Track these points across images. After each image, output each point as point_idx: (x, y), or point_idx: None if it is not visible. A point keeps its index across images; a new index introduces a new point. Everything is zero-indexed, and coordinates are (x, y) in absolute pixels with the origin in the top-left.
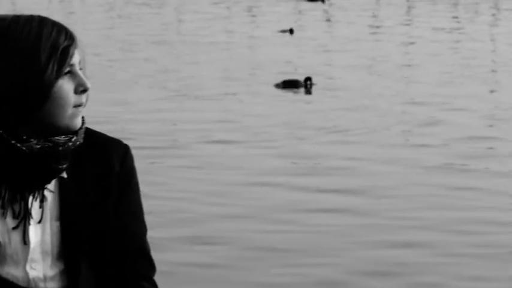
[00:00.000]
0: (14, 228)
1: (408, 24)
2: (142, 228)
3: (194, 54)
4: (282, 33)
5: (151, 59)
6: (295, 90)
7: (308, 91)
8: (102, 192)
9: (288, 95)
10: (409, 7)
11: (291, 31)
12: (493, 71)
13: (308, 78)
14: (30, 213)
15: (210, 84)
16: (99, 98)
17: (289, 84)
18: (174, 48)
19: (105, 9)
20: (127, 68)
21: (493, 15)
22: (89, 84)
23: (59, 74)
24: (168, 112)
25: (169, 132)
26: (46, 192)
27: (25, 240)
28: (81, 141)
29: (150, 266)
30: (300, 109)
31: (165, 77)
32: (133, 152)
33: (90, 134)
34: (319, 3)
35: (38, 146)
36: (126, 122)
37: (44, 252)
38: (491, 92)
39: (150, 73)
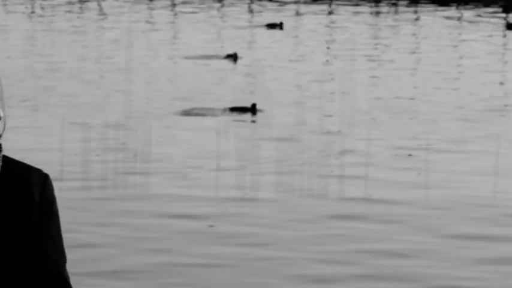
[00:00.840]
0: None
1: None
2: (62, 256)
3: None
4: (227, 58)
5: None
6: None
7: (254, 114)
8: (21, 220)
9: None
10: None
11: (235, 57)
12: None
13: (254, 105)
14: None
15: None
16: None
17: (237, 110)
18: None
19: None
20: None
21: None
22: (1, 113)
23: None
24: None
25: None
26: None
27: None
28: None
29: None
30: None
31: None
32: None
33: (8, 161)
34: (277, 29)
35: None
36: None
37: None
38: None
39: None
